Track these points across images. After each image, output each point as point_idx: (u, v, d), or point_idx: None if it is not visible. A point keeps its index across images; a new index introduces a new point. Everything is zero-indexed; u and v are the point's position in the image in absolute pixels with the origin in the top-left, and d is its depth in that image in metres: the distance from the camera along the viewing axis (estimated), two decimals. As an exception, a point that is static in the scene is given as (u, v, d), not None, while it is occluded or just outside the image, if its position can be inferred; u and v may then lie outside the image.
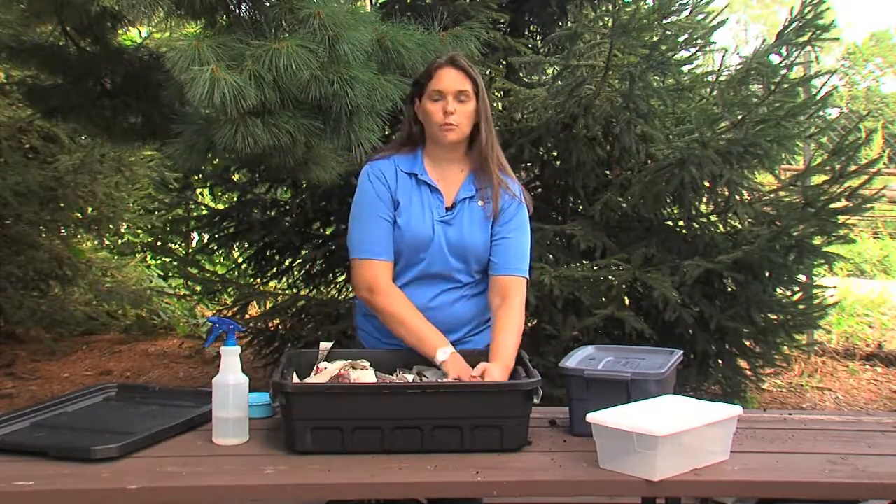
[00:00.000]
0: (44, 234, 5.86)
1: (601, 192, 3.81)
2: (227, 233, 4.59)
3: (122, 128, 3.59)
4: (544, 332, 3.66)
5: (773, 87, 3.56)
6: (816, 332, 5.03)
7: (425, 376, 1.99)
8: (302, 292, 4.63)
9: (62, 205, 5.71)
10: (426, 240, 2.08)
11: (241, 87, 2.29)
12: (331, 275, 4.57)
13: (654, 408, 1.73)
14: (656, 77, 3.65)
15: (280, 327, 4.42)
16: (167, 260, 6.71)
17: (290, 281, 4.73)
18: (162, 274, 6.82)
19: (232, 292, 5.05)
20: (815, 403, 4.56)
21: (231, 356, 1.81)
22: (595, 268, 3.65)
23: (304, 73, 2.37)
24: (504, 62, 4.05)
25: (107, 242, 6.70)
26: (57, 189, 5.49)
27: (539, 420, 1.90)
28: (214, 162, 4.49)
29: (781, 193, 3.87)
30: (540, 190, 4.13)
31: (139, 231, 6.78)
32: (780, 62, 3.71)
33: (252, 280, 4.93)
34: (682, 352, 2.02)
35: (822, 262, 3.81)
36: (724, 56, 4.02)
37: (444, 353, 1.96)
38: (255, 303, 5.10)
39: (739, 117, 3.50)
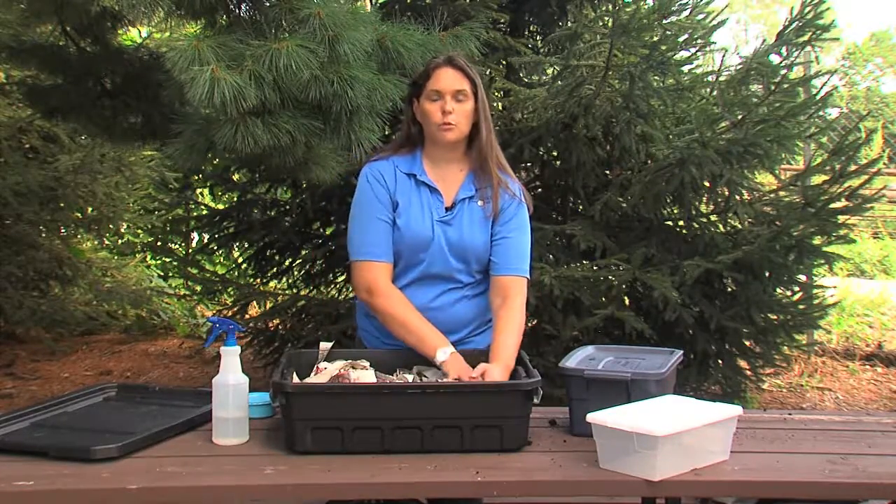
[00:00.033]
0: (44, 234, 5.86)
1: (601, 192, 3.81)
2: (227, 233, 4.59)
3: (122, 128, 3.59)
4: (544, 332, 3.66)
5: (773, 87, 3.56)
6: (816, 332, 5.03)
7: (425, 376, 1.99)
8: (302, 292, 4.64)
9: (62, 205, 5.71)
10: (426, 240, 2.08)
11: (241, 87, 2.29)
12: (331, 275, 4.57)
13: (654, 408, 1.73)
14: (656, 77, 3.65)
15: (280, 327, 4.42)
16: (167, 260, 6.71)
17: (290, 281, 4.73)
18: (162, 274, 6.82)
19: (232, 292, 5.05)
20: (815, 403, 4.56)
21: (231, 356, 1.81)
22: (595, 268, 3.65)
23: (304, 73, 2.37)
24: (504, 62, 4.05)
25: (107, 242, 6.70)
26: (57, 189, 5.49)
27: (539, 420, 1.90)
28: (214, 162, 4.49)
29: (781, 193, 3.87)
30: (540, 190, 4.14)
31: (139, 231, 6.78)
32: (780, 62, 3.72)
33: (252, 280, 4.93)
34: (682, 352, 2.02)
35: (822, 262, 3.81)
36: (724, 56, 4.02)
37: (444, 353, 1.96)
38: (255, 303, 5.10)
39: (739, 117, 3.50)
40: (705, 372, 3.87)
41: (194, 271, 5.28)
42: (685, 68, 3.98)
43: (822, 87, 3.75)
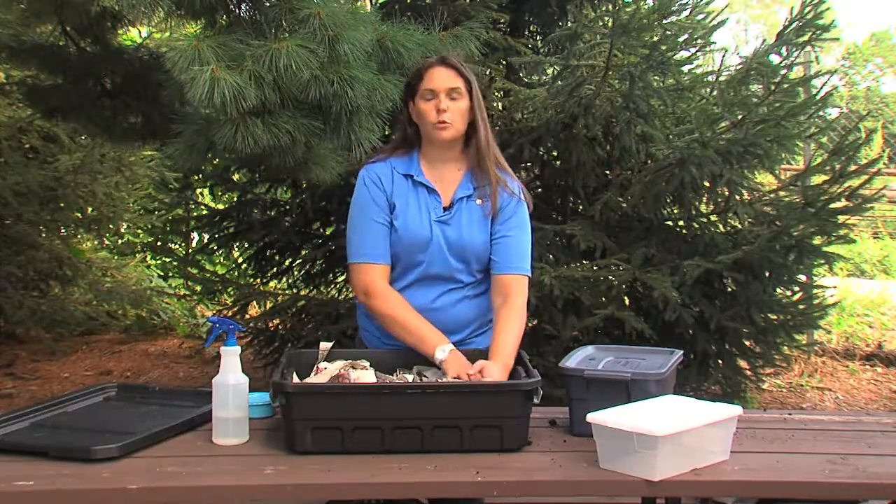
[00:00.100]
0: (44, 234, 5.86)
1: (601, 192, 3.81)
2: (227, 233, 4.59)
3: (122, 128, 3.59)
4: (544, 332, 3.66)
5: (773, 87, 3.56)
6: (816, 332, 5.03)
7: (425, 376, 1.99)
8: (302, 292, 4.64)
9: (62, 205, 5.71)
10: (424, 241, 2.08)
11: (241, 87, 2.29)
12: (331, 275, 4.57)
13: (654, 408, 1.73)
14: (656, 77, 3.66)
15: (280, 327, 4.42)
16: (167, 260, 6.71)
17: (290, 281, 4.73)
18: (162, 274, 6.82)
19: (232, 292, 5.06)
20: (815, 403, 4.56)
21: (231, 356, 1.81)
22: (595, 268, 3.65)
23: (304, 73, 2.37)
24: (504, 62, 4.05)
25: (107, 242, 6.70)
26: (57, 189, 5.49)
27: (539, 420, 1.90)
28: (214, 162, 4.49)
29: (781, 193, 3.88)
30: (540, 190, 4.14)
31: (139, 231, 6.78)
32: (780, 62, 3.72)
33: (252, 280, 4.94)
34: (682, 352, 2.02)
35: (822, 262, 3.81)
36: (724, 56, 4.03)
37: (444, 351, 1.96)
38: (255, 303, 5.10)
39: (739, 117, 3.50)
40: (705, 372, 3.87)
41: (194, 271, 5.28)
42: (685, 68, 3.98)
43: (822, 87, 3.75)
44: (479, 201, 2.11)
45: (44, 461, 1.64)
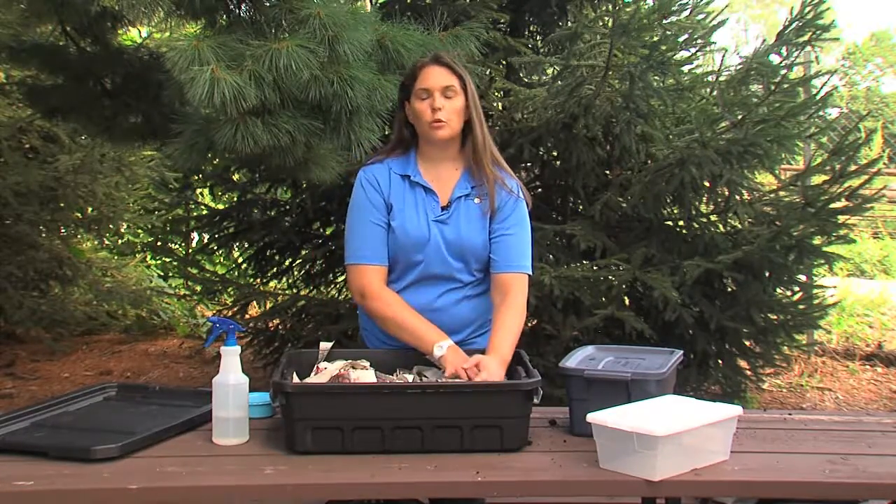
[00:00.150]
0: (44, 234, 5.85)
1: (601, 192, 3.81)
2: (227, 233, 4.60)
3: (122, 128, 3.59)
4: (544, 332, 3.66)
5: (773, 87, 3.56)
6: (816, 332, 5.03)
7: (425, 376, 1.99)
8: (302, 292, 4.64)
9: (62, 205, 5.71)
10: (422, 241, 2.08)
11: (241, 87, 2.29)
12: (331, 275, 4.57)
13: (654, 408, 1.73)
14: (656, 77, 3.65)
15: (280, 327, 4.42)
16: (167, 260, 6.70)
17: (290, 281, 4.73)
18: (162, 274, 6.82)
19: (232, 292, 5.05)
20: (815, 403, 4.56)
21: (231, 356, 1.81)
22: (595, 268, 3.65)
23: (304, 73, 2.37)
24: (504, 62, 4.05)
25: (107, 242, 6.69)
26: (57, 189, 5.49)
27: (539, 420, 1.90)
28: (214, 162, 4.48)
29: (781, 193, 3.88)
30: (540, 190, 4.14)
31: (139, 231, 6.78)
32: (780, 62, 3.72)
33: (252, 280, 4.94)
34: (682, 352, 2.02)
35: (822, 262, 3.81)
36: (724, 56, 4.03)
37: (442, 347, 1.96)
38: (255, 303, 5.10)
39: (739, 117, 3.50)
40: (705, 372, 3.87)
41: (194, 271, 5.28)
42: (685, 68, 3.98)
43: (822, 87, 3.76)
44: (477, 200, 2.10)
45: (44, 461, 1.64)
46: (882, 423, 2.01)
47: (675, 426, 1.60)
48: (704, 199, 3.93)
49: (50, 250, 5.66)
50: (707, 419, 1.68)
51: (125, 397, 2.09)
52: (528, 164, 4.16)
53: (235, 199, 4.78)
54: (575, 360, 1.97)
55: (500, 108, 4.06)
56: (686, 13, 3.92)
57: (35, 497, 1.54)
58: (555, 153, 4.06)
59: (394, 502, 1.96)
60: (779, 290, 3.91)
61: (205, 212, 5.02)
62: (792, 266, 3.71)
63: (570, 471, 1.65)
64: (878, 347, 5.56)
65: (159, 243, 6.58)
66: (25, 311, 5.31)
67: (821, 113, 3.78)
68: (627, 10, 3.84)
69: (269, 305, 4.96)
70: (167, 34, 3.11)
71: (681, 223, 3.97)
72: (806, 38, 3.65)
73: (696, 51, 3.93)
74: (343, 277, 4.52)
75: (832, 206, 3.53)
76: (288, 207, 4.51)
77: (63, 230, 6.11)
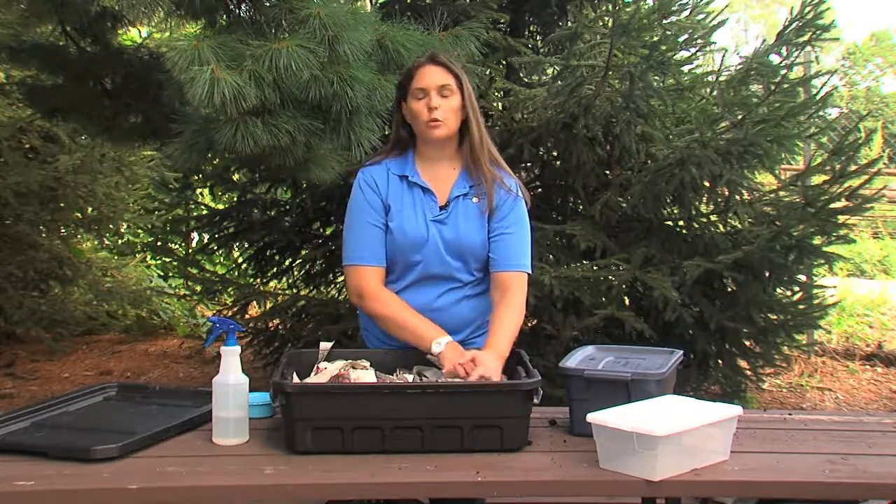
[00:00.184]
0: (44, 234, 5.85)
1: (601, 192, 3.81)
2: (227, 233, 4.60)
3: (122, 128, 3.59)
4: (544, 332, 3.67)
5: (773, 87, 3.56)
6: (816, 332, 5.03)
7: (425, 376, 1.99)
8: (302, 292, 4.64)
9: (62, 205, 5.71)
10: (420, 241, 2.08)
11: (241, 87, 2.29)
12: (331, 275, 4.57)
13: (654, 408, 1.73)
14: (656, 77, 3.66)
15: (280, 327, 4.42)
16: (167, 260, 6.70)
17: (290, 281, 4.73)
18: (162, 274, 6.82)
19: (232, 292, 5.06)
20: (815, 403, 4.56)
21: (231, 356, 1.81)
22: (595, 268, 3.65)
23: (304, 73, 2.37)
24: (504, 62, 4.05)
25: (107, 242, 6.70)
26: (57, 189, 5.49)
27: (539, 420, 1.90)
28: (214, 162, 4.49)
29: (781, 193, 3.88)
30: (540, 190, 4.14)
31: (139, 231, 6.78)
32: (780, 62, 3.72)
33: (252, 280, 4.94)
34: (682, 352, 2.02)
35: (822, 262, 3.81)
36: (724, 56, 4.03)
37: (440, 343, 1.96)
38: (255, 303, 5.10)
39: (739, 117, 3.50)
40: (705, 372, 3.87)
41: (194, 271, 5.29)
42: (685, 68, 3.98)
43: (822, 87, 3.76)
44: (475, 199, 2.10)
45: (44, 461, 1.64)
46: (882, 423, 2.01)
47: (675, 426, 1.60)
48: (704, 199, 3.93)
49: (50, 250, 5.66)
50: (707, 419, 1.68)
51: (125, 397, 2.09)
52: (528, 164, 4.16)
53: (235, 199, 4.78)
54: (575, 360, 1.97)
55: (500, 108, 4.06)
56: (686, 13, 3.92)
57: (35, 497, 1.54)
58: (555, 153, 4.06)
59: (394, 502, 1.96)
60: (779, 290, 3.91)
61: (205, 212, 5.02)
62: (792, 266, 3.71)
63: (570, 471, 1.65)
64: (878, 347, 5.56)
65: (159, 243, 6.58)
66: (25, 311, 5.31)
67: (821, 113, 3.78)
68: (627, 10, 3.84)
69: (269, 305, 4.96)
70: (167, 34, 3.11)
71: (681, 223, 3.97)
72: (806, 38, 3.65)
73: (696, 51, 3.93)
74: (343, 277, 4.52)
75: (832, 206, 3.54)
76: (288, 207, 4.51)
77: (63, 230, 6.11)
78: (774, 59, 3.74)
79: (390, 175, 2.12)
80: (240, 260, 4.98)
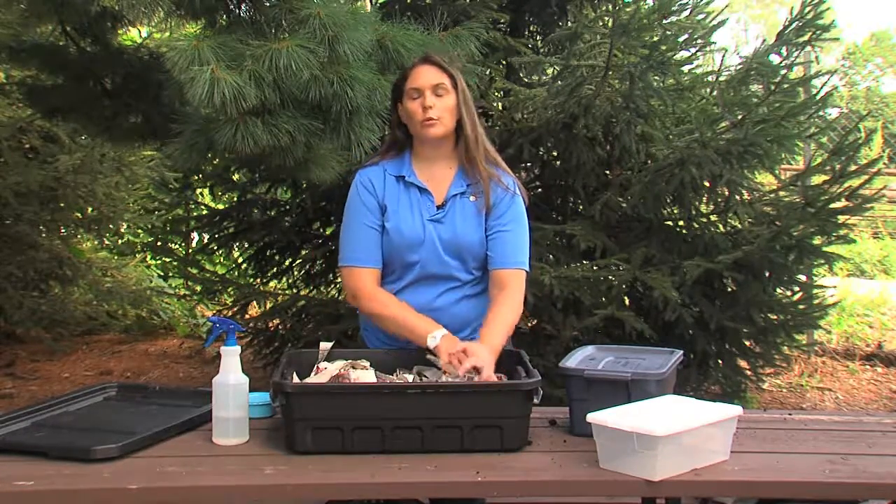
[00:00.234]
0: (44, 234, 5.85)
1: (601, 192, 3.81)
2: (227, 233, 4.60)
3: (122, 128, 3.59)
4: (544, 332, 3.67)
5: (773, 87, 3.56)
6: (816, 332, 5.03)
7: (425, 376, 1.98)
8: (302, 292, 4.64)
9: (62, 205, 5.71)
10: (416, 241, 2.08)
11: (241, 87, 2.29)
12: (331, 275, 4.57)
13: (654, 408, 1.73)
14: (656, 77, 3.66)
15: (280, 327, 4.42)
16: (167, 260, 6.70)
17: (290, 281, 4.73)
18: (162, 274, 6.82)
19: (232, 292, 5.06)
20: (815, 403, 4.56)
21: (231, 356, 1.81)
22: (595, 268, 3.65)
23: (304, 73, 2.37)
24: (504, 62, 4.05)
25: (107, 242, 6.70)
26: (57, 189, 5.49)
27: (539, 420, 1.90)
28: (214, 162, 4.48)
29: (781, 193, 3.88)
30: (540, 190, 4.14)
31: (139, 231, 6.78)
32: (780, 62, 3.72)
33: (252, 280, 4.94)
34: (682, 352, 2.02)
35: (822, 262, 3.81)
36: (724, 56, 4.03)
37: (435, 337, 1.96)
38: (255, 303, 5.10)
39: (739, 117, 3.50)
40: (705, 372, 3.87)
41: (194, 271, 5.29)
42: (685, 68, 3.98)
43: (822, 87, 3.76)
44: (472, 198, 2.10)
45: (44, 461, 1.64)
46: (882, 423, 2.01)
47: (675, 426, 1.60)
48: (704, 199, 3.93)
49: (50, 250, 5.66)
50: (707, 419, 1.68)
51: (125, 397, 2.09)
52: (528, 164, 4.16)
53: (235, 199, 4.78)
54: (575, 360, 1.97)
55: (500, 108, 4.06)
56: (686, 13, 3.92)
57: (35, 497, 1.54)
58: (555, 153, 4.06)
59: (394, 502, 1.96)
60: (779, 290, 3.91)
61: (205, 212, 5.02)
62: (792, 266, 3.71)
63: (570, 471, 1.65)
64: (878, 347, 5.56)
65: (159, 243, 6.58)
66: (25, 311, 5.31)
67: (821, 113, 3.78)
68: (627, 10, 3.84)
69: (269, 305, 4.96)
70: (167, 34, 3.11)
71: (681, 223, 3.97)
72: (806, 38, 3.65)
73: (696, 51, 3.93)
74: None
75: (832, 206, 3.54)
76: (288, 207, 4.51)
77: (63, 230, 6.11)
78: (774, 59, 3.74)
79: (387, 176, 2.12)
80: (240, 260, 4.98)
